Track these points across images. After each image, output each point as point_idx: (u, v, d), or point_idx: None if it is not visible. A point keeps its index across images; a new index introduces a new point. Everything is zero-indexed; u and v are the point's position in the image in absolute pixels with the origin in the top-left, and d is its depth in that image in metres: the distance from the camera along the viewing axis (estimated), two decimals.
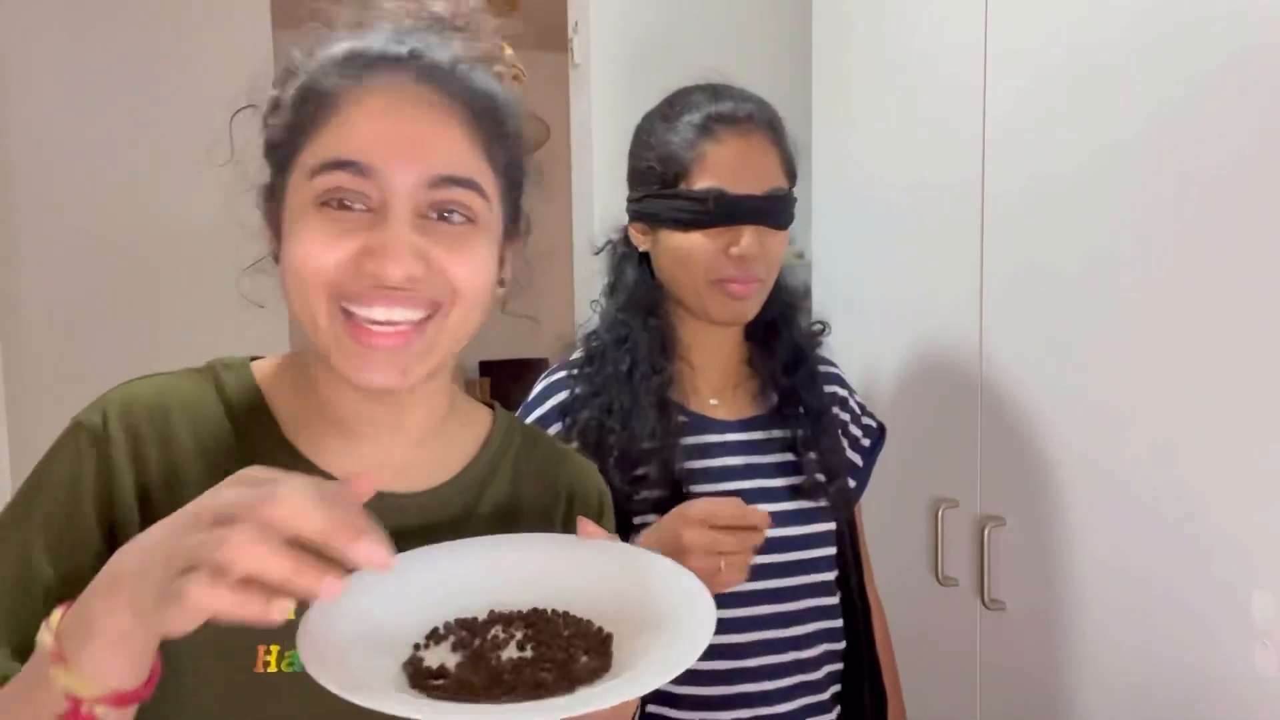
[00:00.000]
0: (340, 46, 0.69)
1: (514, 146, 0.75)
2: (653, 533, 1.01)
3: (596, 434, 1.13)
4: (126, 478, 0.69)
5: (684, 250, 1.12)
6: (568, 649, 0.67)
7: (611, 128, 1.95)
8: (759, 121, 1.14)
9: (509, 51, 0.76)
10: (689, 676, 1.10)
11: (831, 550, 1.20)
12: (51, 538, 0.67)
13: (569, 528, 0.82)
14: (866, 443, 1.31)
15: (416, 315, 0.67)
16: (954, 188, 1.47)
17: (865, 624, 1.26)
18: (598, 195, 1.94)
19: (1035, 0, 1.35)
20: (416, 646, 0.67)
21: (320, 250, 0.65)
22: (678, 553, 0.90)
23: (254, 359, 0.78)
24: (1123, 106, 1.23)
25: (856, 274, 1.69)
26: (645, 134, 1.18)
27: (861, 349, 1.66)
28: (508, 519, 0.79)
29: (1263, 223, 1.09)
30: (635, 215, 1.19)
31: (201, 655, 0.66)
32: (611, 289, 1.22)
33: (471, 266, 0.69)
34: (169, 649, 0.61)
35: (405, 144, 0.66)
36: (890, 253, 1.62)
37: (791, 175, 1.17)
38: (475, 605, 0.71)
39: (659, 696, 1.12)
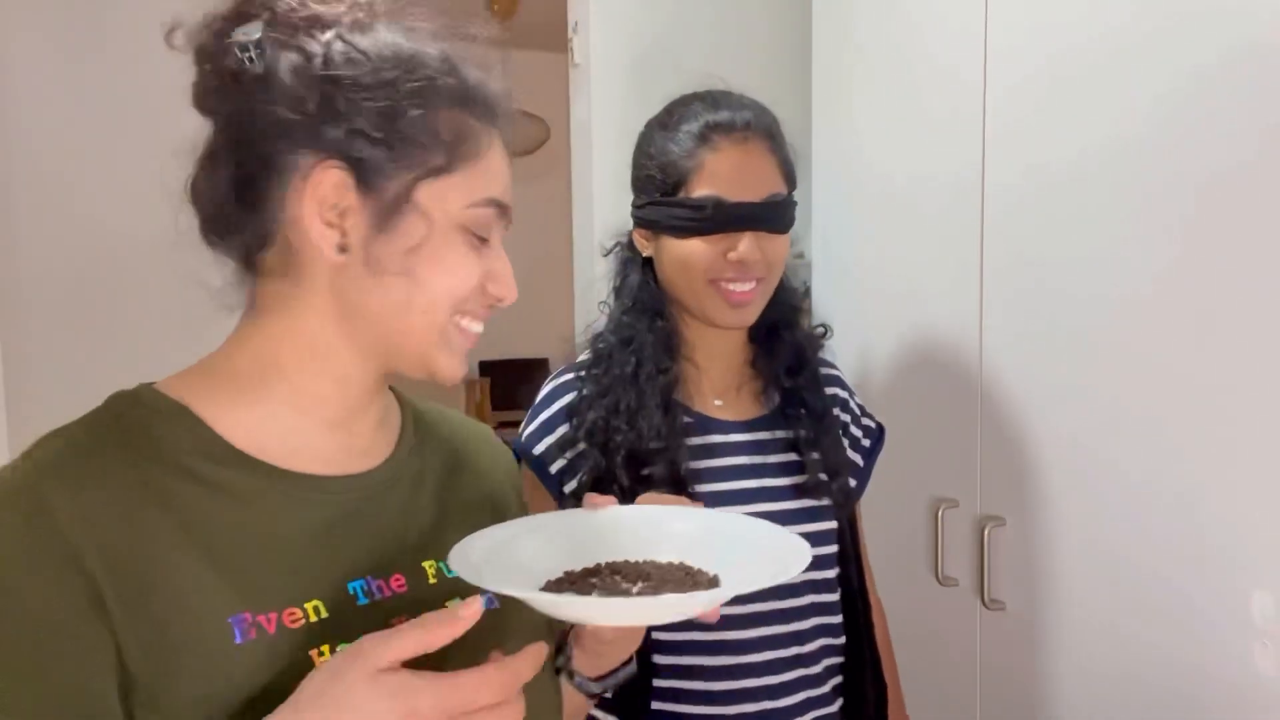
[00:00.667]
0: (473, 75, 0.74)
1: None
2: None
3: (603, 434, 1.15)
4: (87, 547, 0.62)
5: (684, 256, 1.14)
6: (672, 576, 0.75)
7: (611, 128, 1.95)
8: (756, 129, 1.15)
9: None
10: (694, 671, 1.11)
11: (833, 548, 1.21)
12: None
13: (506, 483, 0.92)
14: (867, 443, 1.32)
15: None
16: (954, 186, 1.47)
17: (865, 620, 1.26)
18: (598, 196, 1.94)
19: None
20: None
21: (467, 274, 0.73)
22: None
23: (149, 385, 0.73)
24: (1123, 103, 1.23)
25: (856, 273, 1.69)
26: (646, 143, 1.21)
27: (861, 348, 1.66)
28: (454, 470, 0.85)
29: (1263, 220, 1.09)
30: (638, 221, 1.21)
31: (257, 677, 0.64)
32: (617, 292, 1.24)
33: None
34: (217, 676, 0.63)
35: (511, 186, 0.77)
36: (890, 251, 1.62)
37: (790, 180, 1.18)
38: (550, 570, 0.77)
39: (664, 692, 1.13)
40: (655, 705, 1.14)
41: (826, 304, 1.74)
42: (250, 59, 0.68)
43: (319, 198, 0.69)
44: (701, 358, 1.21)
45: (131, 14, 2.51)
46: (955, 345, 1.50)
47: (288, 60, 0.68)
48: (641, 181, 1.20)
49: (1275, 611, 1.08)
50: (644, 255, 1.21)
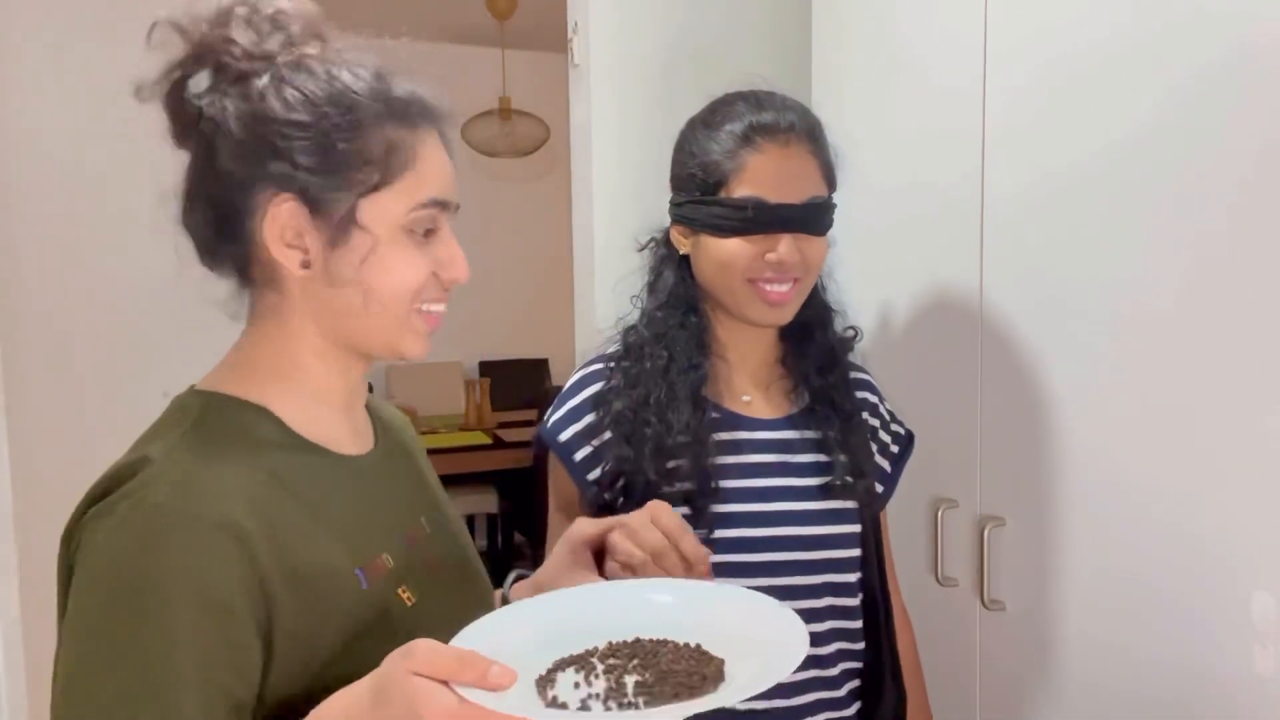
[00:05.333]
0: (400, 89, 0.82)
1: None
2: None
3: (630, 425, 1.15)
4: (268, 557, 0.74)
5: (723, 255, 1.14)
6: (676, 661, 0.72)
7: (611, 128, 1.95)
8: (799, 131, 1.15)
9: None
10: None
11: (856, 552, 1.20)
12: (208, 682, 0.71)
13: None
14: (895, 449, 1.31)
15: None
16: (954, 188, 1.47)
17: (886, 627, 1.26)
18: (597, 196, 1.94)
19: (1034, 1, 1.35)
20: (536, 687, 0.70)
21: (416, 270, 0.82)
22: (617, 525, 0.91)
23: (202, 388, 0.84)
24: (1123, 106, 1.23)
25: (854, 275, 1.69)
26: (688, 141, 1.20)
27: (859, 350, 1.65)
28: (405, 453, 0.98)
29: (1263, 222, 1.09)
30: (676, 219, 1.21)
31: (377, 611, 0.81)
32: (651, 288, 1.24)
33: None
34: (357, 615, 0.78)
35: (455, 181, 0.86)
36: (889, 253, 1.62)
37: (831, 183, 1.19)
38: (546, 657, 0.74)
39: None
40: None
41: None
42: (202, 110, 0.78)
43: (277, 227, 0.79)
44: (733, 355, 1.22)
45: (137, 18, 2.51)
46: (955, 345, 1.50)
47: (235, 108, 0.77)
48: (682, 179, 1.19)
49: (1275, 612, 1.08)
50: (681, 253, 1.21)
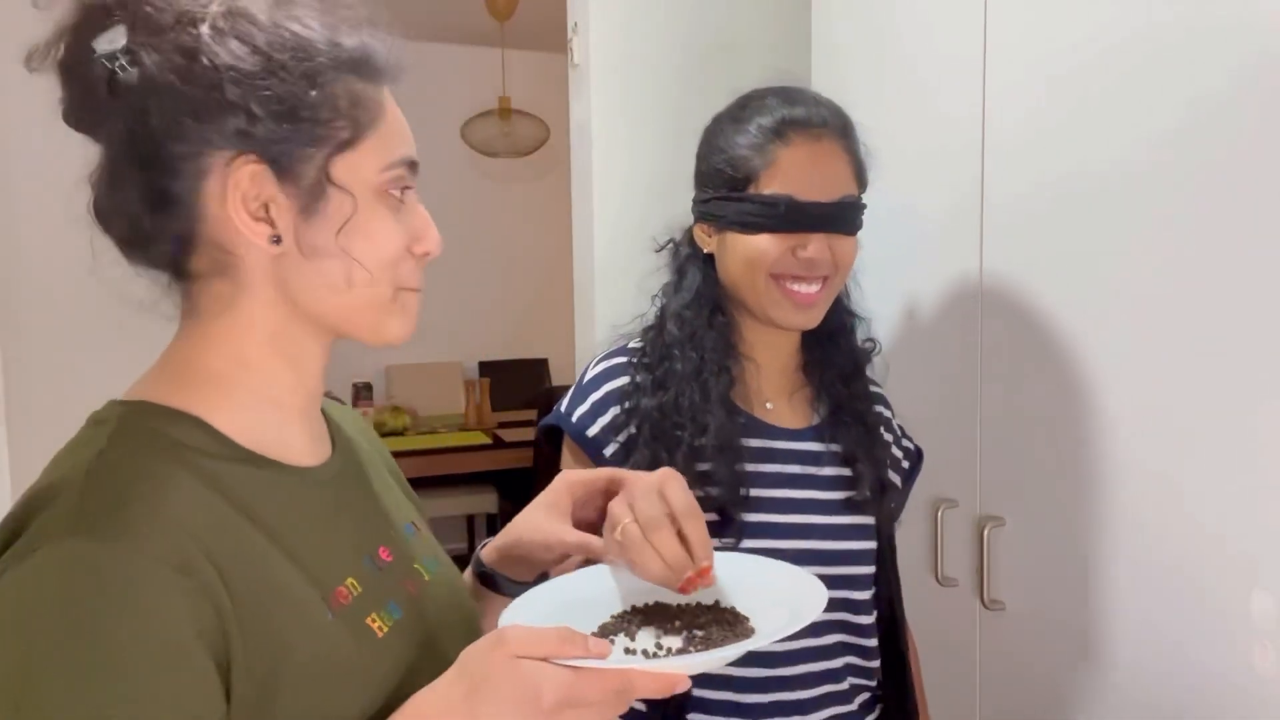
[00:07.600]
0: (353, 40, 0.72)
1: None
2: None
3: (659, 426, 1.11)
4: (220, 593, 0.63)
5: (750, 251, 1.11)
6: (703, 617, 0.79)
7: (611, 128, 1.95)
8: (832, 127, 1.12)
9: None
10: (724, 682, 1.11)
11: (870, 569, 1.19)
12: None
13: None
14: (906, 465, 1.30)
15: None
16: (954, 192, 1.48)
17: (901, 642, 1.25)
18: (598, 196, 1.94)
19: (1036, 5, 1.35)
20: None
21: (394, 240, 0.73)
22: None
23: (124, 400, 0.72)
24: (1122, 116, 1.23)
25: (854, 277, 1.69)
26: (715, 136, 1.16)
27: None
28: (368, 457, 0.88)
29: (1263, 228, 1.09)
30: (701, 216, 1.17)
31: (347, 648, 0.71)
32: (675, 288, 1.20)
33: None
34: (324, 650, 0.69)
35: (413, 138, 0.77)
36: (889, 255, 1.62)
37: (862, 182, 1.16)
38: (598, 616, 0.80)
39: (696, 703, 1.12)
40: (690, 717, 1.12)
41: None
42: (122, 67, 0.65)
43: (241, 194, 0.68)
44: (757, 360, 1.18)
45: None
46: (955, 346, 1.50)
47: (167, 61, 0.65)
48: (708, 175, 1.15)
49: (1275, 611, 1.08)
50: (705, 251, 1.17)
